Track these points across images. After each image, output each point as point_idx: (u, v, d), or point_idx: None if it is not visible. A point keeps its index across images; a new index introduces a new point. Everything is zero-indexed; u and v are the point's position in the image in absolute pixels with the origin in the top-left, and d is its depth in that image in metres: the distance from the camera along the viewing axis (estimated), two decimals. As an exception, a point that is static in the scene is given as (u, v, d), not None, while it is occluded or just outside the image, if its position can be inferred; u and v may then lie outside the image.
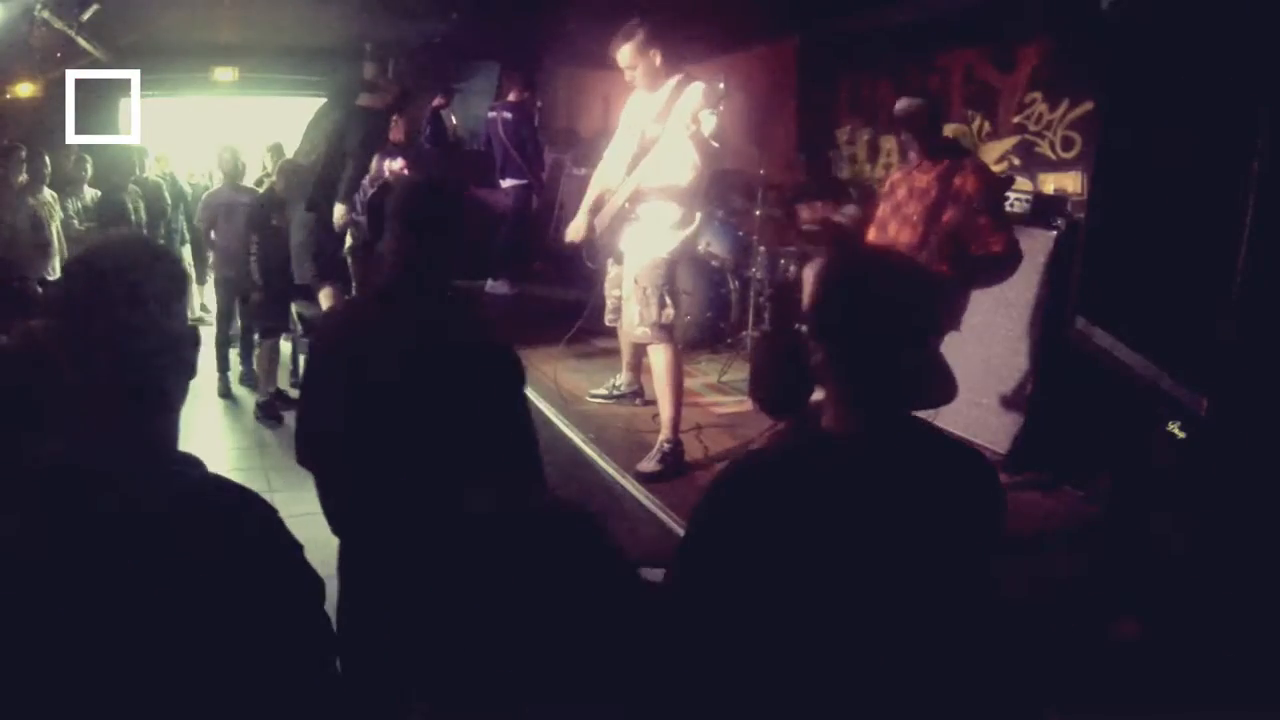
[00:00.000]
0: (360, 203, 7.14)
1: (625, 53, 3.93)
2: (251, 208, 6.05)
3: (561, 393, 4.90)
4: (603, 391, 4.91)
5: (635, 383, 4.88)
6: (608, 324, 4.60)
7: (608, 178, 4.26)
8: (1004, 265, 3.56)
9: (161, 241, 7.16)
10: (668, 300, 4.08)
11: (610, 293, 4.47)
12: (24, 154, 5.81)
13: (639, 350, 4.72)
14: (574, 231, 4.34)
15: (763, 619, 1.34)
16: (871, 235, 3.93)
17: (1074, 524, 3.56)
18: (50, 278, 5.84)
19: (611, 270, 4.44)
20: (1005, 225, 3.58)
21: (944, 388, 1.46)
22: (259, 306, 6.03)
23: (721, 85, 3.68)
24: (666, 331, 4.07)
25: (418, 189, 2.30)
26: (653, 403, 4.76)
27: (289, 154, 7.13)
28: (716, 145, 3.88)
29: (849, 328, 1.39)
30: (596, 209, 4.25)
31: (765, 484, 1.40)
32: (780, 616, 1.33)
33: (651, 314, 4.02)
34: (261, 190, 6.57)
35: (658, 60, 3.92)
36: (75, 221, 6.39)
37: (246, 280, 6.06)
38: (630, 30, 3.92)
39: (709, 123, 3.79)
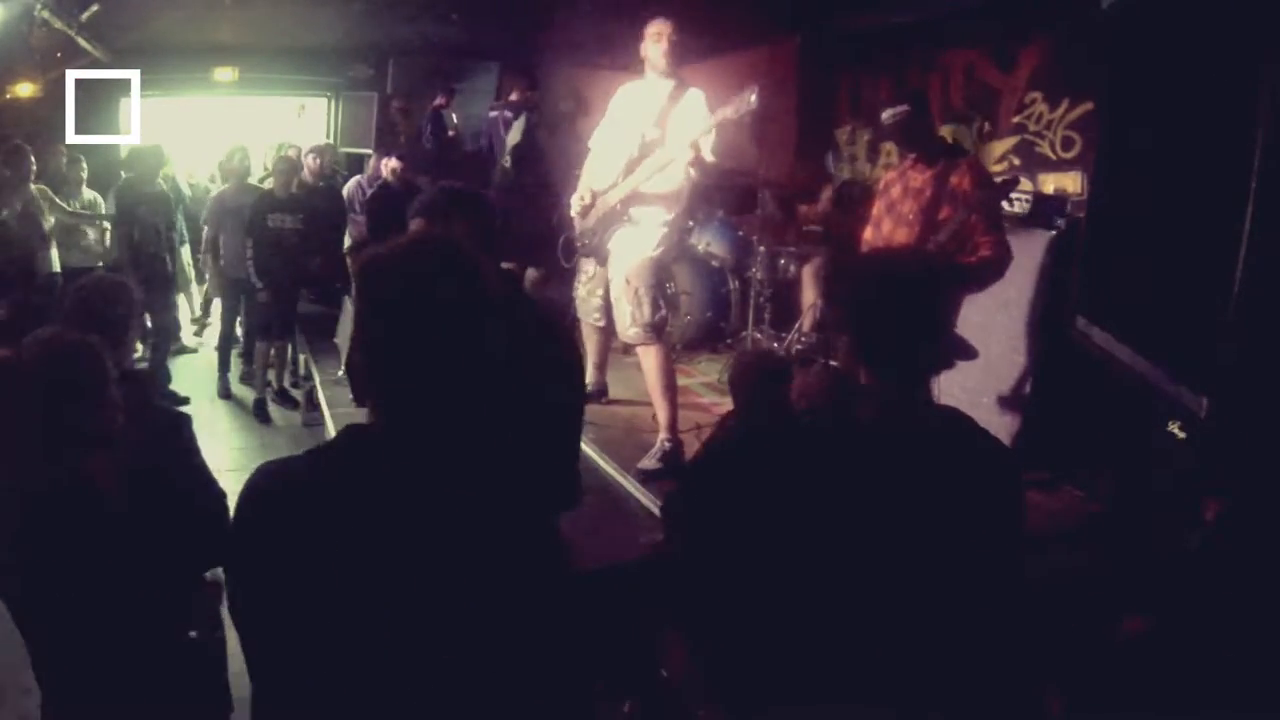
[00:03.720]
0: (359, 203, 7.16)
1: (661, 24, 3.89)
2: (251, 209, 6.03)
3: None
4: None
5: (600, 382, 4.83)
6: (586, 321, 4.58)
7: (599, 173, 4.19)
8: (992, 269, 3.53)
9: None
10: (661, 301, 4.07)
11: (594, 292, 4.41)
12: (22, 153, 5.80)
13: (605, 350, 4.72)
14: (577, 201, 4.21)
15: (781, 592, 1.40)
16: (866, 233, 3.92)
17: (1075, 523, 3.56)
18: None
19: (590, 270, 4.40)
20: (998, 228, 3.55)
21: (964, 351, 1.64)
22: (263, 306, 6.04)
23: (753, 97, 3.54)
24: (658, 332, 4.05)
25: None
26: (616, 402, 4.80)
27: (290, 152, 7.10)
28: (714, 159, 3.82)
29: (875, 317, 1.49)
30: (595, 195, 4.17)
31: (797, 464, 1.44)
32: (803, 590, 1.39)
33: (644, 314, 4.00)
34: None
35: (676, 42, 3.87)
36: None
37: (248, 282, 6.07)
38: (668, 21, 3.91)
39: (708, 143, 3.75)
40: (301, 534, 1.08)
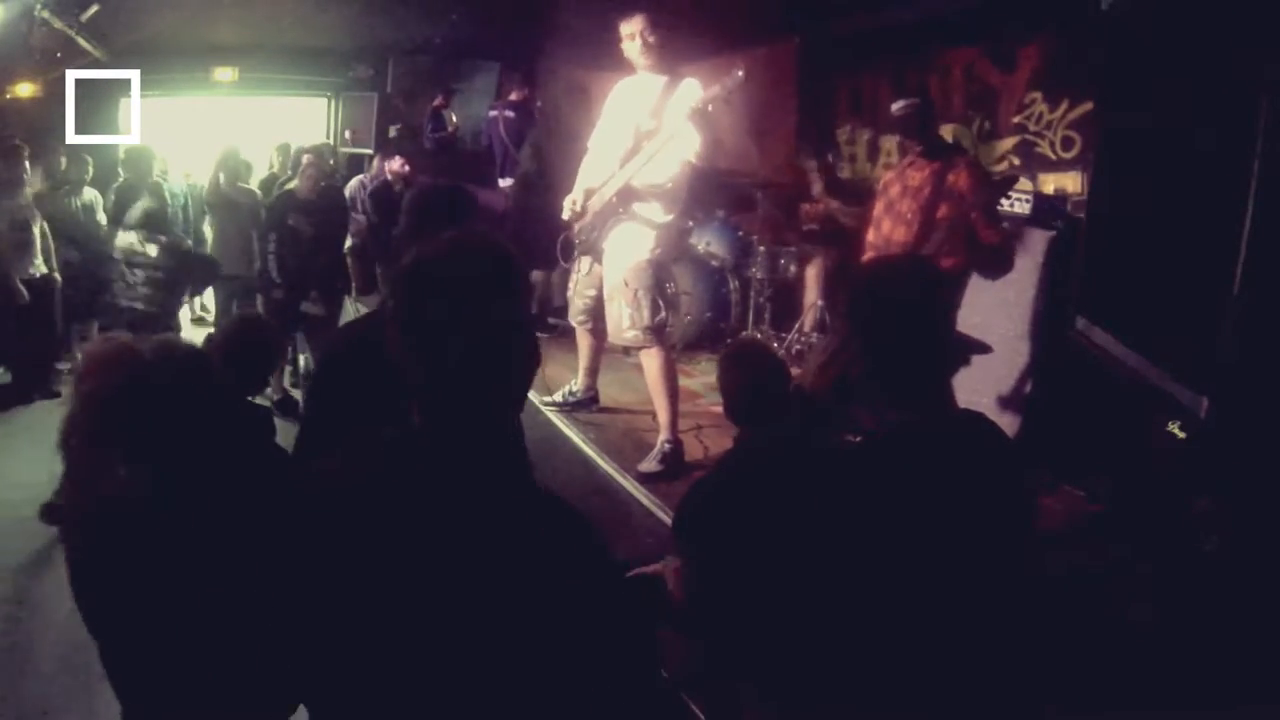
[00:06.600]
0: (362, 202, 7.16)
1: (632, 22, 3.85)
2: (270, 207, 6.08)
3: (550, 388, 4.88)
4: (557, 398, 4.72)
5: (592, 388, 4.73)
6: (574, 323, 4.52)
7: (594, 171, 4.14)
8: (999, 257, 3.60)
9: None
10: (660, 303, 4.03)
11: (584, 292, 4.35)
12: (25, 153, 5.79)
13: (597, 355, 4.63)
14: (569, 205, 4.18)
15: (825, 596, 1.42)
16: (869, 234, 3.95)
17: (1074, 523, 3.56)
18: (32, 275, 5.84)
19: (585, 268, 4.33)
20: (997, 221, 3.63)
21: (975, 346, 1.67)
22: (276, 304, 6.05)
23: (740, 73, 3.59)
24: (658, 334, 4.01)
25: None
26: (616, 404, 4.76)
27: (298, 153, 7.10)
28: (702, 163, 3.81)
29: (884, 326, 1.51)
30: (589, 195, 4.13)
31: (823, 477, 1.46)
32: (844, 593, 1.41)
33: (643, 317, 3.95)
34: (268, 190, 6.60)
35: (653, 40, 3.84)
36: (79, 218, 6.36)
37: (256, 279, 6.08)
38: (643, 9, 3.86)
39: (695, 144, 3.75)
40: (357, 539, 1.07)
